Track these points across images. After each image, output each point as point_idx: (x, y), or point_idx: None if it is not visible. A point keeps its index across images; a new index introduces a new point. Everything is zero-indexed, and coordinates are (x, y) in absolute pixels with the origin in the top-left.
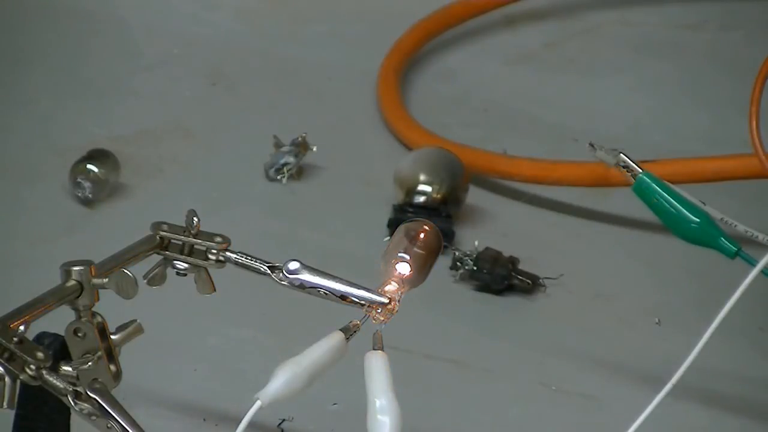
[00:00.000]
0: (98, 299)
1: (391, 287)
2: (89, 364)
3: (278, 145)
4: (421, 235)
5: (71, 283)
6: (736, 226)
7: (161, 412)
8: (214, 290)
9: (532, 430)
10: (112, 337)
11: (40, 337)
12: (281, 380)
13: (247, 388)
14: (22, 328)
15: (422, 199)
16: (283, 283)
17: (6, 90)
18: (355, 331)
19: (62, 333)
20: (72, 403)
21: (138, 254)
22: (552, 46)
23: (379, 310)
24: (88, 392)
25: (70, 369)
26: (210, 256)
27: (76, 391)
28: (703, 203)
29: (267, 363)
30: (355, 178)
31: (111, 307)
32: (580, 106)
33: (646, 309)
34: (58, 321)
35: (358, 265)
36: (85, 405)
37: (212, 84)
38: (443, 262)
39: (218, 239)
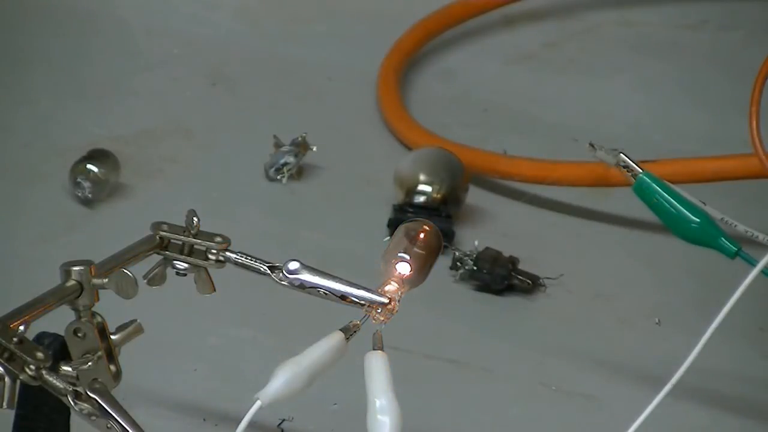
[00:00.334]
0: (98, 299)
1: (391, 287)
2: (89, 364)
3: (278, 145)
4: (421, 235)
5: (71, 283)
6: (736, 226)
7: (161, 412)
8: (214, 290)
9: (532, 430)
10: (112, 337)
11: (40, 337)
12: (281, 380)
13: (247, 388)
14: (22, 328)
15: (422, 199)
16: (283, 283)
17: (6, 90)
18: (355, 331)
19: (62, 333)
20: (72, 403)
21: (138, 254)
22: (552, 46)
23: (379, 310)
24: (88, 392)
25: (70, 369)
26: (210, 256)
27: (76, 391)
28: (703, 203)
29: (267, 363)
30: (355, 178)
31: (111, 307)
32: (580, 106)
33: (646, 309)
34: (58, 321)
35: (358, 265)
36: (85, 405)
37: (212, 84)
38: (443, 262)
39: (218, 239)
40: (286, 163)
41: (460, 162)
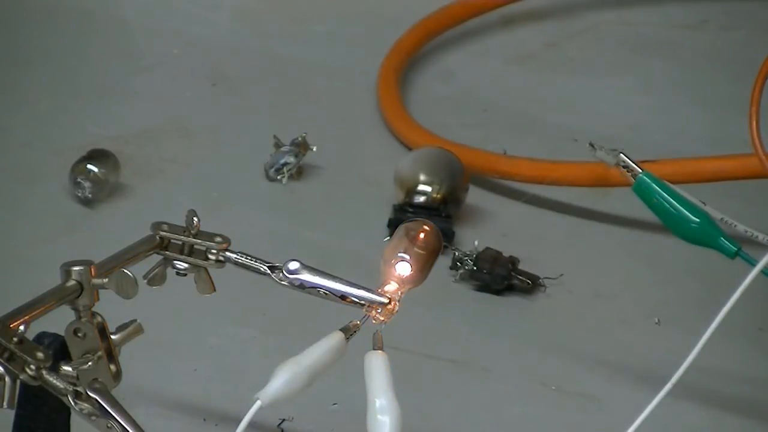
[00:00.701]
0: (98, 299)
1: (391, 287)
2: (89, 364)
3: (278, 145)
4: (421, 235)
5: (71, 283)
6: (736, 226)
7: (161, 412)
8: (214, 290)
9: (532, 430)
10: (112, 337)
11: (40, 337)
12: (281, 380)
13: (247, 388)
14: (22, 328)
15: (422, 199)
16: (283, 283)
17: (6, 90)
18: (355, 331)
19: (62, 333)
20: (72, 403)
21: (138, 254)
22: (552, 46)
23: (379, 310)
24: (88, 392)
25: (70, 369)
26: (210, 256)
27: (76, 391)
28: (703, 203)
29: (267, 363)
30: (355, 178)
31: (111, 307)
32: (580, 106)
33: (646, 309)
34: (58, 321)
35: (358, 265)
36: (85, 405)
37: (212, 84)
38: (443, 262)
39: (218, 239)
40: (286, 163)
41: (460, 162)
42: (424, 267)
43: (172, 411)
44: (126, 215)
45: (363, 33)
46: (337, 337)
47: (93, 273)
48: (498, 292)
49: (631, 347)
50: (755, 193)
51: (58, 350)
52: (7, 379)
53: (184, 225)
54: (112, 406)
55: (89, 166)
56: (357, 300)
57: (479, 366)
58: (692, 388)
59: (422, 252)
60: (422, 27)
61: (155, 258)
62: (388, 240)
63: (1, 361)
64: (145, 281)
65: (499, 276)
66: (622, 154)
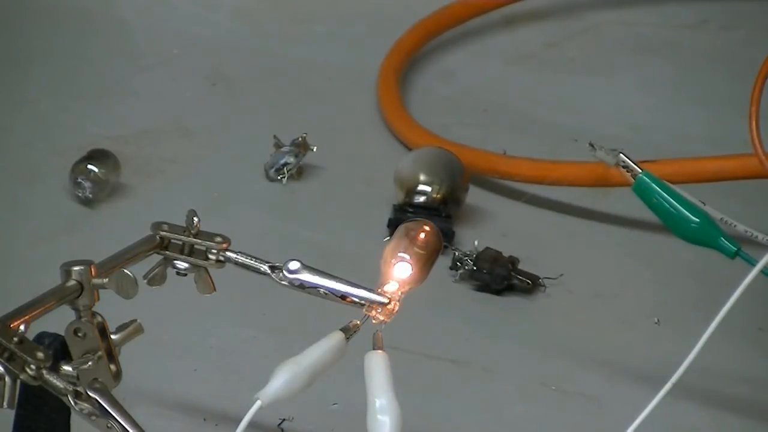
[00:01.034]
0: (98, 299)
1: (391, 287)
2: (89, 364)
3: (278, 145)
4: (421, 235)
5: (71, 283)
6: (736, 226)
7: (161, 412)
8: (214, 290)
9: (532, 430)
10: (112, 337)
11: (40, 337)
12: (281, 380)
13: (247, 388)
14: (22, 328)
15: (422, 199)
16: (283, 283)
17: (6, 90)
18: (355, 331)
19: (62, 333)
20: (72, 403)
21: (138, 254)
22: (552, 46)
23: (379, 310)
24: (88, 392)
25: (70, 369)
26: (210, 256)
27: (76, 391)
28: (703, 203)
29: (267, 363)
30: (355, 178)
31: (111, 307)
32: (580, 106)
33: (646, 309)
34: (58, 321)
35: (358, 265)
36: (85, 405)
37: (212, 84)
38: (443, 262)
39: (218, 239)
40: (286, 163)
41: (460, 162)
42: (424, 267)
43: (172, 411)
44: (126, 215)
45: (363, 33)
46: (337, 337)
47: (93, 273)
48: (498, 292)
49: (631, 347)
50: (755, 193)
51: (58, 350)
52: (7, 379)
53: (184, 225)
54: (112, 406)
55: (89, 166)
56: (357, 300)
57: (479, 366)
58: (692, 388)
59: (422, 252)
60: (422, 27)
61: (155, 258)
62: (388, 240)
63: (2, 361)
64: (145, 281)
65: (499, 276)
66: (621, 154)
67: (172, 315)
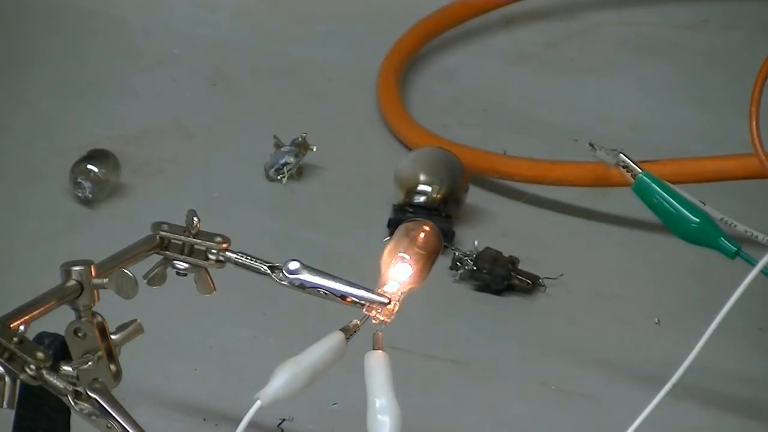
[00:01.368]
0: (98, 299)
1: (391, 287)
2: (89, 364)
3: (278, 145)
4: (421, 235)
5: (71, 283)
6: (736, 226)
7: (161, 412)
8: (214, 290)
9: (532, 430)
10: (112, 337)
11: (40, 337)
12: (281, 380)
13: (247, 388)
14: (22, 328)
15: (422, 199)
16: (283, 283)
17: (6, 90)
18: (355, 331)
19: (62, 333)
20: (72, 403)
21: (138, 254)
22: (552, 46)
23: (379, 310)
24: (88, 392)
25: (70, 369)
26: (210, 256)
27: (76, 391)
28: (703, 203)
29: (267, 363)
30: (355, 178)
31: (111, 307)
32: (580, 106)
33: (646, 309)
34: (58, 321)
35: (358, 265)
36: (85, 405)
37: (212, 84)
38: (443, 262)
39: (218, 239)
40: (286, 163)
41: (460, 162)
42: (424, 267)
43: (172, 411)
44: (126, 215)
45: (363, 33)
46: (337, 337)
47: (93, 273)
48: (498, 292)
49: (631, 347)
50: (755, 193)
51: (58, 350)
52: (7, 379)
53: (184, 225)
54: (112, 406)
55: (89, 166)
56: (357, 300)
57: (479, 366)
58: (692, 388)
59: (422, 252)
60: (422, 27)
61: (155, 258)
62: (388, 240)
63: (2, 361)
64: (145, 281)
65: (499, 276)
66: (621, 154)
67: (172, 315)
